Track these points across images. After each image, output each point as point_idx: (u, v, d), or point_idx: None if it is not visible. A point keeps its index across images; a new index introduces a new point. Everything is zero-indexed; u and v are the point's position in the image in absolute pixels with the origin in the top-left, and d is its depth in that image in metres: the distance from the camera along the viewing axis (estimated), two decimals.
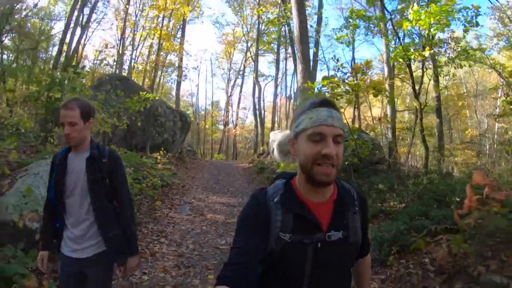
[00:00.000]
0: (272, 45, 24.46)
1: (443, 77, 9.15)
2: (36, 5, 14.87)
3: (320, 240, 1.04)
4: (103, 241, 1.90)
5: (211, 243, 4.56)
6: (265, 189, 1.13)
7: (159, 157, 9.45)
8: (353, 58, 20.12)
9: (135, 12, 20.90)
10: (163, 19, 17.47)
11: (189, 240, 4.63)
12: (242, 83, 30.44)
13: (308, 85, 6.03)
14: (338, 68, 5.99)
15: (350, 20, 8.80)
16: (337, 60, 6.15)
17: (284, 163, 9.50)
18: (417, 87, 7.67)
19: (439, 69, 8.70)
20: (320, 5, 14.81)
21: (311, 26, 15.22)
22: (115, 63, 18.01)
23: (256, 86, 20.92)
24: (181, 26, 19.33)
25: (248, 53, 27.35)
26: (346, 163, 6.31)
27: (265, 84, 26.99)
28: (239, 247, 1.00)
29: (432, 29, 6.86)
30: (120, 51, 19.28)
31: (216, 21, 33.53)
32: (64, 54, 12.88)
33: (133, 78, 18.22)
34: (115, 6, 22.06)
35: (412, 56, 6.90)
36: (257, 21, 24.19)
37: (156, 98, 10.88)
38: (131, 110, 7.86)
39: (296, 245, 1.03)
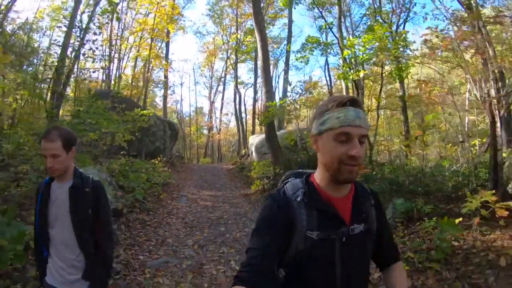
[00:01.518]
0: (252, 54, 26.80)
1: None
2: (26, 20, 16.47)
3: (345, 234, 1.10)
4: (86, 275, 1.93)
5: (204, 216, 6.99)
6: (281, 189, 1.16)
7: (156, 162, 11.75)
8: (326, 63, 22.56)
9: (121, 27, 23.14)
10: (152, 40, 19.66)
11: (189, 216, 7.04)
12: (224, 90, 32.74)
13: (270, 104, 8.56)
14: (292, 89, 8.52)
15: (307, 44, 11.42)
16: (290, 83, 8.69)
17: (256, 162, 11.98)
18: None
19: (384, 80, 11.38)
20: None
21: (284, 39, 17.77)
22: (104, 75, 20.18)
23: (237, 93, 23.36)
24: (166, 44, 21.73)
25: (229, 61, 29.77)
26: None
27: (246, 90, 29.46)
28: (258, 248, 1.04)
29: (364, 54, 9.46)
30: (107, 64, 21.44)
31: (197, 31, 35.62)
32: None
33: (121, 89, 20.44)
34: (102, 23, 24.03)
35: (350, 77, 9.46)
36: (236, 31, 26.72)
37: (150, 114, 13.19)
38: (138, 125, 10.13)
39: (324, 242, 1.07)
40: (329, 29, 11.69)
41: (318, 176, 1.14)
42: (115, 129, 7.63)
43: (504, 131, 5.99)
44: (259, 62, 10.63)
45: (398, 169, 6.78)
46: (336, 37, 11.36)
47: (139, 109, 12.74)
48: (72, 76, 15.27)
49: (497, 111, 5.43)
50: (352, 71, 9.71)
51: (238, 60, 26.46)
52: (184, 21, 25.21)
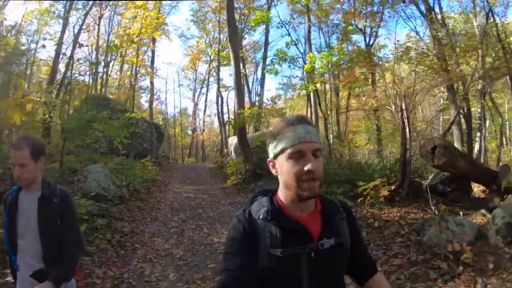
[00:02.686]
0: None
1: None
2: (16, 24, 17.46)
3: (313, 250, 1.12)
4: (37, 274, 1.95)
5: (186, 203, 9.05)
6: (247, 208, 1.19)
7: (146, 162, 13.74)
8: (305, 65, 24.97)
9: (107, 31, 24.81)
10: (138, 49, 21.56)
11: (175, 203, 9.09)
12: (207, 91, 34.69)
13: (241, 111, 10.70)
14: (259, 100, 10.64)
15: (275, 58, 13.59)
16: (259, 95, 10.81)
17: (231, 160, 14.11)
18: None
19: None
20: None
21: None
22: (91, 79, 21.94)
23: (219, 96, 25.40)
24: (152, 52, 23.72)
25: (212, 64, 31.69)
26: None
27: (228, 93, 31.41)
28: (231, 269, 1.08)
29: (321, 69, 11.65)
30: (93, 68, 23.17)
31: (181, 34, 37.38)
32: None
33: (107, 93, 22.25)
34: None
35: (309, 89, 11.63)
36: (218, 37, 28.69)
37: (138, 117, 15.17)
38: (131, 130, 12.12)
39: (289, 258, 1.09)
40: (294, 45, 13.83)
41: (282, 196, 1.17)
42: (115, 135, 9.62)
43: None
44: (233, 76, 12.73)
45: (335, 163, 8.96)
46: (300, 52, 13.59)
47: (129, 113, 14.73)
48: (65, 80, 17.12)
49: (406, 120, 7.57)
50: (311, 83, 11.91)
51: (221, 64, 28.39)
52: (168, 29, 26.95)
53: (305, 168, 1.06)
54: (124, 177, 9.28)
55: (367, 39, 20.56)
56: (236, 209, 7.67)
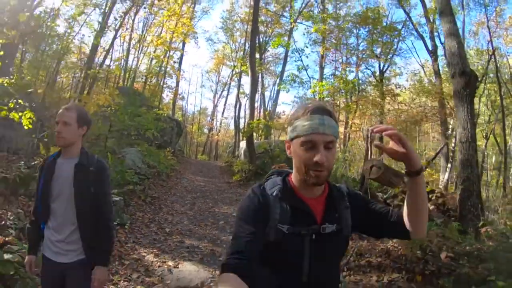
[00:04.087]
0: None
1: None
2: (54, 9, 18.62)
3: (315, 232, 1.26)
4: (83, 248, 2.14)
5: (198, 188, 11.90)
6: (262, 184, 1.36)
7: (166, 152, 16.69)
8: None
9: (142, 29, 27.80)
10: (168, 52, 24.70)
11: (188, 187, 11.94)
12: (228, 95, 37.70)
13: (250, 122, 13.58)
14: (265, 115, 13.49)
15: (287, 79, 16.41)
16: (266, 111, 13.65)
17: (238, 160, 16.97)
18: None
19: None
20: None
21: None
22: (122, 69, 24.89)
23: (238, 102, 28.28)
24: (180, 56, 26.94)
25: (235, 70, 34.63)
26: None
27: (246, 100, 34.30)
28: (241, 236, 1.19)
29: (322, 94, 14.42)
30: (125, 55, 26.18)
31: (209, 38, 40.66)
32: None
33: (135, 86, 25.28)
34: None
35: None
36: (243, 45, 31.67)
37: (165, 115, 18.15)
38: (161, 125, 15.08)
39: (293, 237, 1.24)
40: (305, 70, 16.67)
41: (294, 177, 1.34)
42: (151, 127, 12.62)
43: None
44: (249, 91, 15.60)
45: None
46: (308, 76, 16.40)
47: (157, 109, 17.76)
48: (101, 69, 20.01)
49: (369, 145, 10.28)
50: None
51: (243, 72, 31.33)
52: (197, 36, 30.18)
53: (314, 160, 1.18)
54: (151, 161, 12.20)
55: (381, 65, 23.44)
56: (235, 197, 10.57)
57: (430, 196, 7.13)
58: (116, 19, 21.77)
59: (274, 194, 1.29)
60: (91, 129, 8.67)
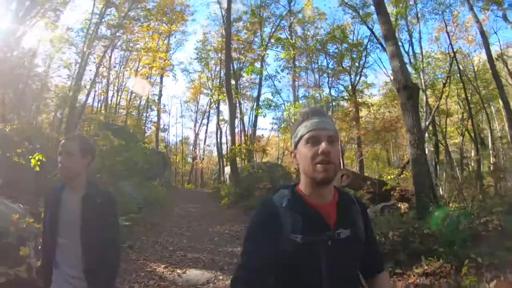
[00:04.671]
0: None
1: None
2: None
3: (330, 238, 1.29)
4: (87, 282, 2.07)
5: (190, 214, 12.90)
6: (270, 197, 1.41)
7: (155, 184, 17.63)
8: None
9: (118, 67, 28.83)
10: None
11: (182, 213, 12.93)
12: (208, 123, 38.97)
13: (233, 147, 14.76)
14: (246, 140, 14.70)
15: (263, 103, 17.75)
16: (246, 136, 14.87)
17: (225, 185, 18.04)
18: None
19: None
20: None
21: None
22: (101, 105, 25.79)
23: (218, 129, 29.48)
24: (160, 90, 28.29)
25: (213, 97, 35.91)
26: None
27: (226, 125, 35.60)
28: (252, 251, 1.26)
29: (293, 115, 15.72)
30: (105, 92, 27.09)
31: (184, 69, 41.98)
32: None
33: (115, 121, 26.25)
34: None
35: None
36: (219, 72, 33.06)
37: (150, 148, 19.16)
38: (149, 160, 16.08)
39: (308, 246, 1.26)
40: (278, 94, 18.07)
41: (302, 186, 1.39)
42: (140, 160, 13.63)
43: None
44: (228, 119, 16.84)
45: None
46: (282, 100, 17.77)
47: (141, 142, 18.78)
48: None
49: (341, 157, 11.55)
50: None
51: (221, 99, 32.61)
52: (175, 70, 31.58)
53: (320, 151, 1.26)
54: (144, 192, 13.15)
55: (352, 79, 25.14)
56: (226, 218, 11.62)
57: (392, 192, 8.41)
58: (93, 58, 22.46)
59: (284, 205, 1.32)
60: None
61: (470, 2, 15.44)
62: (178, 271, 5.86)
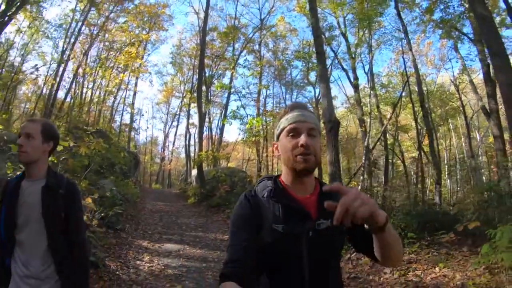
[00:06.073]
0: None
1: None
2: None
3: (311, 229, 1.36)
4: (60, 284, 2.02)
5: (160, 210, 15.77)
6: (252, 189, 1.51)
7: (130, 182, 20.37)
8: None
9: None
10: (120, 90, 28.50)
11: (154, 209, 15.78)
12: (178, 125, 41.70)
13: (200, 153, 17.80)
14: (213, 148, 17.76)
15: (229, 114, 20.87)
16: (213, 143, 17.93)
17: (193, 186, 21.01)
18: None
19: None
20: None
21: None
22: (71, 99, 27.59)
23: (187, 133, 32.34)
24: (134, 93, 30.89)
25: (184, 101, 38.61)
26: None
27: (195, 129, 38.45)
28: (235, 244, 1.33)
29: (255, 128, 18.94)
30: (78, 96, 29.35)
31: (158, 71, 44.46)
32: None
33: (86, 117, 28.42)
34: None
35: (249, 139, 18.79)
36: (191, 77, 35.86)
37: (125, 149, 21.80)
38: (120, 162, 18.80)
39: (290, 236, 1.34)
40: (242, 108, 21.25)
41: (284, 177, 1.49)
42: (119, 160, 16.42)
43: None
44: (197, 127, 19.83)
45: None
46: (246, 114, 20.93)
47: (116, 144, 21.45)
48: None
49: None
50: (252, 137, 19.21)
51: (191, 104, 35.35)
52: (151, 76, 34.21)
53: (300, 143, 1.36)
54: (121, 190, 15.93)
55: (316, 92, 28.53)
56: (192, 213, 14.63)
57: None
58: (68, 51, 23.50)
59: (265, 195, 1.43)
60: (71, 167, 11.95)
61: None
62: (158, 245, 8.83)
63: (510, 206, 6.89)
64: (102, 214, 8.58)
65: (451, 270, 5.88)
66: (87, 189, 9.20)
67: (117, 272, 6.36)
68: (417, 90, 25.60)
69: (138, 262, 7.24)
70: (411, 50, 17.68)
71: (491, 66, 13.08)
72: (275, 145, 1.53)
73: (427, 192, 20.15)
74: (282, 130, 1.47)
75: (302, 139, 1.38)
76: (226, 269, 1.27)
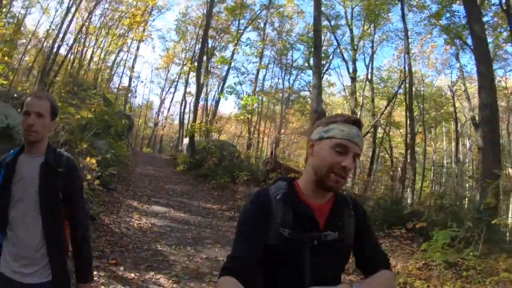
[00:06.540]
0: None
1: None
2: None
3: (316, 238, 1.36)
4: (49, 267, 1.97)
5: (150, 174, 16.87)
6: (267, 189, 1.48)
7: (123, 144, 21.39)
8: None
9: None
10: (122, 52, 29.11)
11: (144, 174, 16.87)
12: (174, 92, 42.45)
13: (192, 124, 18.84)
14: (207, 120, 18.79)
15: (227, 89, 21.82)
16: (207, 115, 18.95)
17: (183, 154, 22.13)
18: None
19: None
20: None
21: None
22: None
23: (184, 101, 33.25)
24: (134, 57, 31.52)
25: (183, 69, 39.21)
26: None
27: (191, 99, 39.28)
28: (242, 240, 1.34)
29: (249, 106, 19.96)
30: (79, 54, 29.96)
31: (161, 36, 44.75)
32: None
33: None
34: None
35: (241, 117, 19.81)
36: (194, 46, 36.38)
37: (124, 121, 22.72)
38: (117, 125, 19.78)
39: (294, 241, 1.34)
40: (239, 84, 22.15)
41: (303, 181, 1.46)
42: (117, 124, 17.40)
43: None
44: (194, 98, 20.79)
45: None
46: (243, 90, 21.83)
47: (114, 106, 22.36)
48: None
49: (274, 148, 15.88)
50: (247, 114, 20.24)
51: (191, 72, 35.93)
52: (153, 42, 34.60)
53: (343, 164, 1.32)
54: (114, 151, 16.97)
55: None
56: (180, 180, 15.76)
57: None
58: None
59: (278, 197, 1.40)
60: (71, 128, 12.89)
61: None
62: (146, 206, 9.95)
63: (453, 213, 8.10)
64: (99, 174, 9.58)
65: (396, 260, 6.98)
66: (87, 150, 10.22)
67: (110, 226, 7.46)
68: (414, 91, 26.79)
69: (128, 219, 8.36)
70: (408, 53, 18.49)
71: None
72: (311, 143, 1.45)
73: (408, 190, 21.51)
74: (330, 137, 1.37)
75: (348, 162, 1.34)
76: (228, 264, 1.29)
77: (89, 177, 8.30)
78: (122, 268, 5.42)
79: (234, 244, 1.36)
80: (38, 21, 25.16)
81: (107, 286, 4.74)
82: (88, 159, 8.86)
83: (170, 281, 5.21)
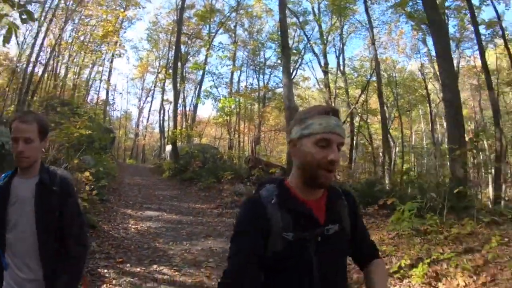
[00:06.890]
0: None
1: None
2: None
3: (320, 235, 1.35)
4: (43, 284, 1.96)
5: (138, 183, 17.58)
6: (257, 194, 1.42)
7: (108, 157, 21.99)
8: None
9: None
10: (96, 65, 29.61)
11: (132, 183, 17.57)
12: (152, 101, 42.99)
13: (173, 131, 19.60)
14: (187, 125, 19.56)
15: (203, 94, 22.63)
16: (187, 120, 19.71)
17: (167, 161, 22.85)
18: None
19: None
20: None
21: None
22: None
23: (162, 109, 33.88)
24: (109, 69, 32.03)
25: (159, 76, 39.73)
26: None
27: (170, 105, 39.87)
28: (237, 253, 1.29)
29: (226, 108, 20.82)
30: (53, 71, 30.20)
31: (134, 46, 45.16)
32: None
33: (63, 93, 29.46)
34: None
35: (219, 120, 20.64)
36: (167, 53, 36.94)
37: (104, 125, 23.28)
38: (101, 139, 20.39)
39: (299, 242, 1.31)
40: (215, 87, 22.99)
41: (293, 180, 1.42)
42: (100, 138, 18.04)
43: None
44: (172, 105, 21.53)
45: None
46: (219, 93, 22.65)
47: (96, 121, 22.91)
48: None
49: (254, 146, 16.77)
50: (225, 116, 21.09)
51: (166, 79, 36.43)
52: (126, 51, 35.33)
53: (329, 158, 1.28)
54: (101, 165, 17.61)
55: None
56: (167, 186, 16.53)
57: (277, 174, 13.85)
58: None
59: (273, 202, 1.35)
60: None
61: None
62: (140, 212, 10.72)
63: (420, 187, 9.13)
64: (92, 186, 10.31)
65: (371, 233, 7.96)
66: (79, 166, 10.93)
67: (110, 232, 8.24)
68: (386, 77, 28.08)
69: (125, 225, 9.13)
70: (374, 43, 19.61)
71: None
72: (292, 143, 1.42)
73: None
74: (310, 134, 1.33)
75: (333, 155, 1.30)
76: (225, 280, 1.28)
77: (87, 188, 9.04)
78: (128, 265, 6.23)
79: (231, 257, 1.33)
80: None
81: (118, 280, 5.52)
82: (84, 173, 9.60)
83: (172, 270, 6.05)
